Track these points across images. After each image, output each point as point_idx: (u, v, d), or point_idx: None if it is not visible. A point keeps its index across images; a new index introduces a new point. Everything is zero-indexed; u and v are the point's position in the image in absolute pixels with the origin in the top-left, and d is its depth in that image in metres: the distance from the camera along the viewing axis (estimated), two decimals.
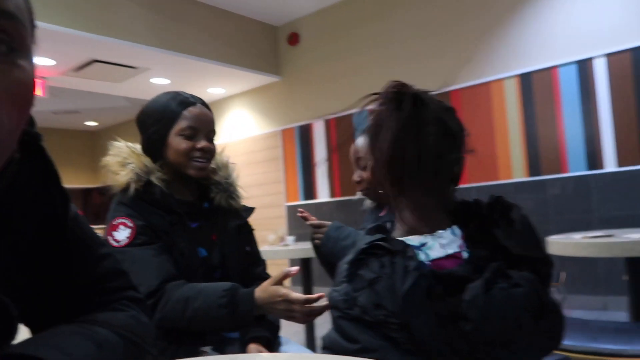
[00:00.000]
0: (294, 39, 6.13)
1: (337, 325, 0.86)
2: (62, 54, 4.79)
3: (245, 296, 1.30)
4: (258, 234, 1.67)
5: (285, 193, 6.30)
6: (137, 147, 1.48)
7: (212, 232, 1.50)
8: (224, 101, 6.97)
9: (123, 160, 1.43)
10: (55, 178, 0.67)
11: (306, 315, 1.27)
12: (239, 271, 1.49)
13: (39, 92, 5.10)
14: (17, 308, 0.59)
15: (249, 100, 6.76)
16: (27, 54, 0.53)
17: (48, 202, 0.67)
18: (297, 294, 1.27)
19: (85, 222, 0.76)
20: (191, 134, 1.42)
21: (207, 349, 1.39)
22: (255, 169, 6.56)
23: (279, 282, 1.30)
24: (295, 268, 1.31)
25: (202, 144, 1.43)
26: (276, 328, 1.49)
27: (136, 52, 4.86)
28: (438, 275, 0.83)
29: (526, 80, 4.46)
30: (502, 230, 0.88)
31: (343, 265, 0.89)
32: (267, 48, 6.12)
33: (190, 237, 1.42)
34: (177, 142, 1.42)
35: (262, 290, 1.29)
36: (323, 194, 5.91)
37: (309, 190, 6.05)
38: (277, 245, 3.40)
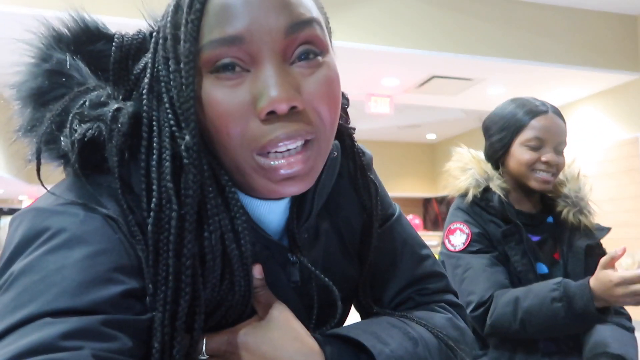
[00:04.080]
0: None
1: None
2: (406, 73, 5.20)
3: (580, 287, 1.17)
4: None
5: None
6: (480, 154, 1.50)
7: (554, 249, 1.39)
8: (566, 107, 6.36)
9: (464, 165, 1.46)
10: (362, 169, 0.72)
11: None
12: None
13: (386, 109, 5.69)
14: (341, 292, 0.63)
15: (598, 104, 6.00)
16: (328, 50, 0.57)
17: (364, 193, 0.72)
18: (633, 272, 1.11)
19: (407, 223, 0.80)
20: (537, 145, 1.35)
21: None
22: (608, 182, 5.71)
23: (607, 268, 1.16)
24: (622, 248, 1.15)
25: (547, 156, 1.34)
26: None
27: (473, 64, 4.92)
28: None
29: None
30: None
31: None
32: (623, 42, 5.26)
33: (528, 251, 1.34)
34: (520, 153, 1.37)
35: (594, 279, 1.16)
36: None
37: None
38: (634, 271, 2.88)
